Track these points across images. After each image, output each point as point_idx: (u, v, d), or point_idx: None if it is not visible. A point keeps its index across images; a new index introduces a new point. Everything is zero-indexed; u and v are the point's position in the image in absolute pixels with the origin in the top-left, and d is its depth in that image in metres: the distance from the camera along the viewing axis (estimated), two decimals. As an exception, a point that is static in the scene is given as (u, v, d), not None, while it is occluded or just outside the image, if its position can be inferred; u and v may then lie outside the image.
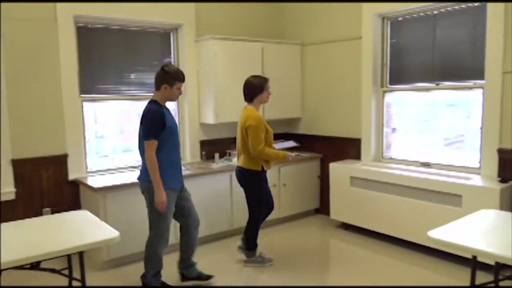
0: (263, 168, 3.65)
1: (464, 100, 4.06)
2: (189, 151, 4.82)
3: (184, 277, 3.44)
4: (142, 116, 3.09)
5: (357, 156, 4.79)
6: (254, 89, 3.63)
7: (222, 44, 4.57)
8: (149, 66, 4.58)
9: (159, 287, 3.27)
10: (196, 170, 4.34)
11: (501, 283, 2.86)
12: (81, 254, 2.52)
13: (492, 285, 2.80)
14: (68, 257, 2.71)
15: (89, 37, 4.21)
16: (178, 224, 3.45)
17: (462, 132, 4.12)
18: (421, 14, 4.24)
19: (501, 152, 3.68)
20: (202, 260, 3.44)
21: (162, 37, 4.70)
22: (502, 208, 3.33)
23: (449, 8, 4.02)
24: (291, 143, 3.84)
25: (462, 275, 3.40)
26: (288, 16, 5.48)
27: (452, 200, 3.66)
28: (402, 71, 4.49)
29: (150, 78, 4.59)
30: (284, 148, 4.25)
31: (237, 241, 3.93)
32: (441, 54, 4.14)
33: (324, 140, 5.16)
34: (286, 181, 4.85)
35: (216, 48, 4.54)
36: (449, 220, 2.79)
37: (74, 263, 2.67)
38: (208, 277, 3.44)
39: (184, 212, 3.32)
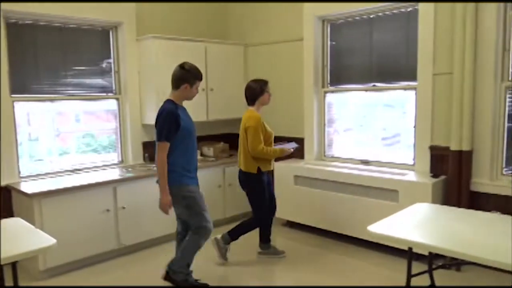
0: (260, 170, 3.68)
1: (399, 101, 4.27)
2: (131, 152, 4.68)
3: (168, 277, 3.24)
4: (157, 116, 3.00)
5: (300, 155, 4.89)
6: (254, 92, 3.72)
7: (164, 44, 4.49)
8: (88, 66, 4.39)
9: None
10: (139, 172, 4.22)
11: (434, 272, 3.04)
12: (13, 264, 2.37)
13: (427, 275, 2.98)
14: (0, 268, 2.54)
15: (21, 34, 3.96)
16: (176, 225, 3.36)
17: (398, 131, 4.33)
18: (358, 17, 4.41)
19: (432, 149, 3.91)
20: (154, 261, 3.34)
21: (101, 36, 4.53)
22: (434, 201, 3.54)
23: (380, 14, 4.21)
24: (293, 145, 3.95)
25: (400, 267, 3.57)
26: (232, 17, 5.49)
27: (389, 196, 3.84)
28: (342, 72, 4.65)
29: (89, 77, 4.42)
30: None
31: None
32: (377, 56, 4.33)
33: (268, 140, 5.21)
34: (231, 181, 4.85)
35: (158, 48, 4.45)
36: (387, 214, 2.93)
37: (7, 274, 2.51)
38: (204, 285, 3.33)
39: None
